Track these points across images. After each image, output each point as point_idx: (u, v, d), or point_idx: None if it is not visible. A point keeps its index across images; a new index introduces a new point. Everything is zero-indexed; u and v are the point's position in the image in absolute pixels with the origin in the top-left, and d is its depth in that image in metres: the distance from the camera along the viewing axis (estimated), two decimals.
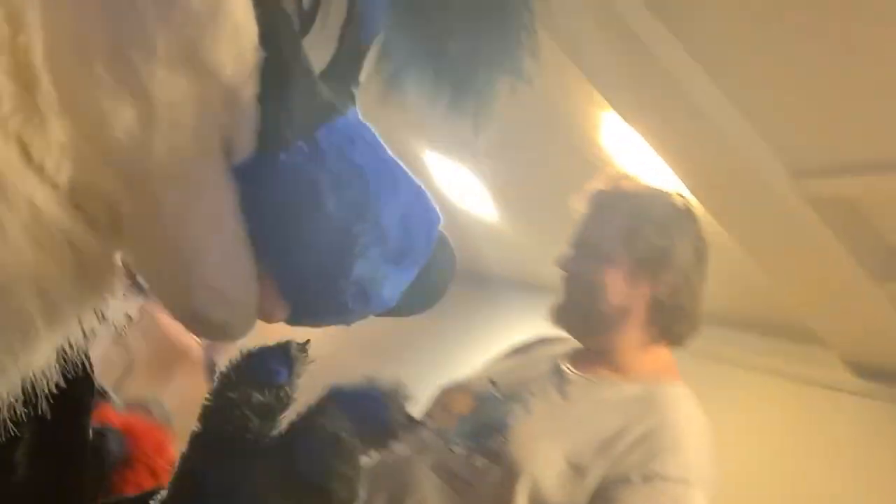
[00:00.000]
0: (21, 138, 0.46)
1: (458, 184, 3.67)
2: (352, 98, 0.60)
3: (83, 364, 0.63)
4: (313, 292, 0.56)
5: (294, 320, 0.60)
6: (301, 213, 0.53)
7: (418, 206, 0.59)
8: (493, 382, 1.37)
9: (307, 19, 0.59)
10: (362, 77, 0.63)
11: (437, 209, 0.61)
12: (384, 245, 0.55)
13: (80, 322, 0.57)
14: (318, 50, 0.58)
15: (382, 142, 0.59)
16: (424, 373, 1.73)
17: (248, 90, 0.50)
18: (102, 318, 0.60)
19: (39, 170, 0.47)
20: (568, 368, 1.36)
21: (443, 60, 0.63)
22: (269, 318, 0.58)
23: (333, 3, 0.59)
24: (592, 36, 1.80)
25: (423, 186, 0.60)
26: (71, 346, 0.58)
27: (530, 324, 1.57)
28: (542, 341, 1.52)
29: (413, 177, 0.59)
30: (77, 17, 0.46)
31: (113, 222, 0.54)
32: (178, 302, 0.56)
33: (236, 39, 0.48)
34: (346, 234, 0.53)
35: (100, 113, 0.47)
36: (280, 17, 0.52)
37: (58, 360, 0.57)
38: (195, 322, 0.57)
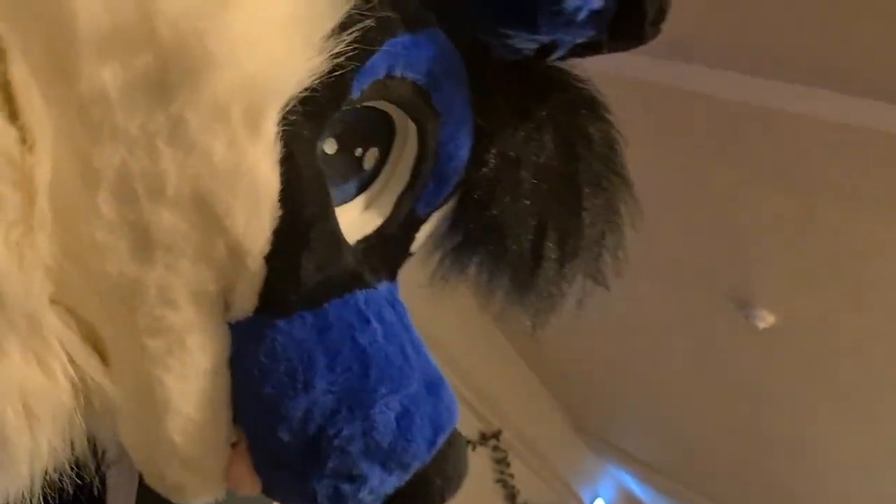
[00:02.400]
0: (21, 249, 0.43)
1: None
2: (390, 272, 0.55)
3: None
4: (284, 476, 0.49)
5: (268, 495, 0.53)
6: (287, 389, 0.47)
7: (429, 404, 0.51)
8: None
9: (367, 180, 0.54)
10: (413, 248, 0.59)
11: (455, 410, 0.53)
12: (370, 443, 0.48)
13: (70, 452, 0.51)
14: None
15: (409, 324, 0.53)
16: None
17: (258, 248, 0.45)
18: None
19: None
20: None
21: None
22: (238, 489, 0.53)
23: (400, 166, 0.55)
24: None
25: (445, 382, 0.53)
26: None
27: None
28: None
29: (435, 369, 0.53)
30: (90, 146, 0.42)
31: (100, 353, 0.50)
32: (140, 450, 0.51)
33: (254, 196, 0.44)
34: (328, 420, 0.47)
35: (93, 244, 0.44)
36: (308, 178, 0.46)
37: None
38: (151, 476, 0.52)
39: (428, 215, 0.57)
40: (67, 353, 0.47)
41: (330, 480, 0.48)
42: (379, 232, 0.55)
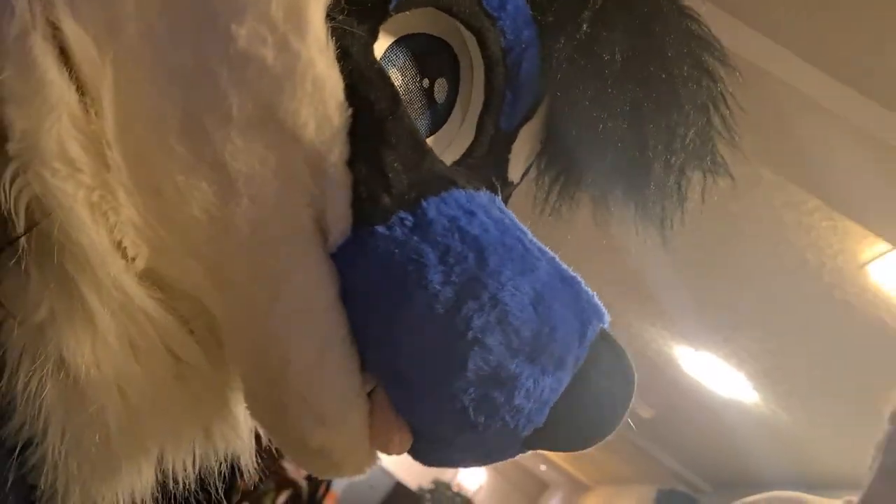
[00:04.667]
0: (107, 217, 0.42)
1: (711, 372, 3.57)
2: (492, 188, 0.51)
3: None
4: (430, 407, 0.44)
5: (421, 451, 0.48)
6: (403, 296, 0.43)
7: (566, 293, 0.45)
8: None
9: (442, 113, 0.51)
10: (513, 174, 0.55)
11: (602, 307, 0.48)
12: (509, 332, 0.43)
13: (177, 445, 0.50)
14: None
15: (525, 228, 0.49)
16: None
17: (337, 154, 0.43)
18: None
19: (123, 254, 0.43)
20: None
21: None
22: (386, 447, 0.47)
23: (473, 90, 0.52)
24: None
25: (581, 281, 0.48)
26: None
27: None
28: None
29: (563, 267, 0.48)
30: (149, 89, 0.42)
31: (211, 332, 0.48)
32: (273, 422, 0.48)
33: (317, 96, 0.42)
34: (454, 315, 0.42)
35: (175, 189, 0.42)
36: (370, 73, 0.44)
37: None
38: (292, 448, 0.48)
39: (515, 130, 0.53)
40: (163, 339, 0.45)
41: (477, 389, 0.43)
42: (468, 157, 0.52)
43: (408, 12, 0.47)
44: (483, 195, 0.48)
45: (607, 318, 0.48)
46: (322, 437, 0.45)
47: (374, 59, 0.45)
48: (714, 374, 3.61)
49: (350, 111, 0.44)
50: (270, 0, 0.41)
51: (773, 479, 3.74)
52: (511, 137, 0.53)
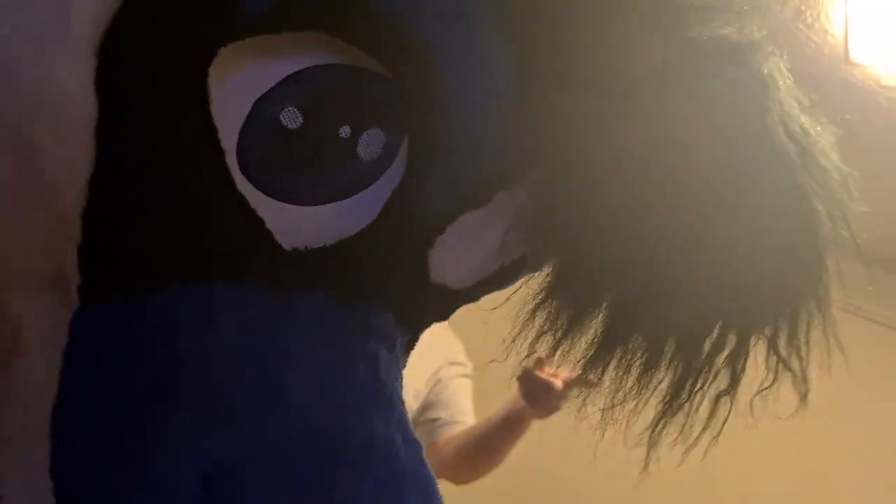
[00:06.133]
0: None
1: None
2: (381, 297, 0.38)
3: None
4: None
5: None
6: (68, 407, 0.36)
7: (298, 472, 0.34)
8: None
9: (372, 173, 0.38)
10: (441, 275, 0.40)
11: None
12: None
13: None
14: None
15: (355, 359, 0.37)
16: None
17: (70, 202, 0.35)
18: None
19: None
20: None
21: None
22: None
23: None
24: None
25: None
26: None
27: None
28: None
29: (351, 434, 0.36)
30: None
31: None
32: None
33: (62, 124, 0.35)
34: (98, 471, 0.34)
35: None
36: (141, 111, 0.35)
37: None
38: None
39: (444, 218, 0.38)
40: None
41: None
42: (362, 238, 0.37)
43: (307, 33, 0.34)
44: (273, 305, 0.35)
45: None
46: None
47: (168, 97, 0.34)
48: None
49: (95, 152, 0.34)
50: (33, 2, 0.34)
51: None
52: (434, 226, 0.38)
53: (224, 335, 0.34)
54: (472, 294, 0.43)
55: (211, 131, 0.34)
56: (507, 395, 1.37)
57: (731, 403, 0.41)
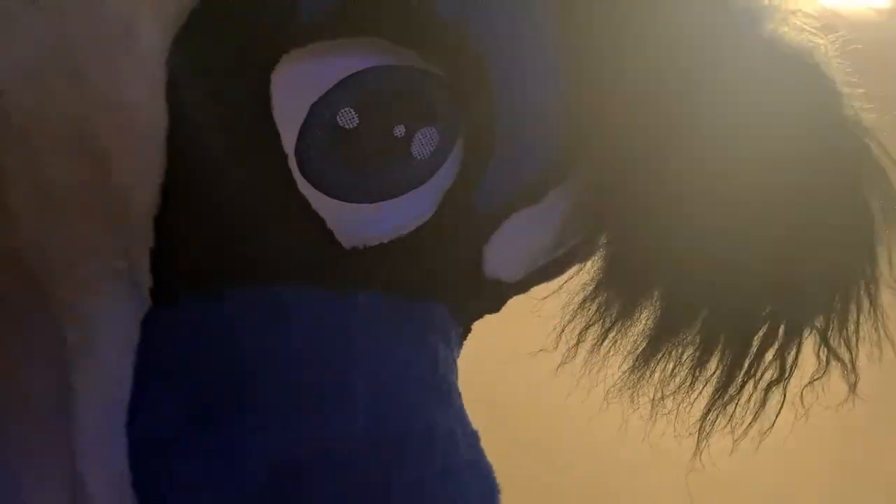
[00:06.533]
0: None
1: None
2: (435, 293, 0.39)
3: None
4: None
5: None
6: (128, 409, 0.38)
7: (364, 469, 0.36)
8: None
9: (427, 171, 0.39)
10: (495, 269, 0.41)
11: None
12: None
13: None
14: None
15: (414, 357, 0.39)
16: None
17: (144, 204, 0.36)
18: None
19: None
20: None
21: None
22: None
23: None
24: None
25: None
26: None
27: None
28: None
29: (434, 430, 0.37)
30: None
31: None
32: None
33: (131, 128, 0.36)
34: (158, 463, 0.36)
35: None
36: (209, 120, 0.36)
37: None
38: None
39: (499, 215, 0.40)
40: None
41: None
42: (419, 235, 0.39)
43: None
44: (336, 306, 0.37)
45: None
46: None
47: (229, 97, 0.36)
48: None
49: (169, 158, 0.35)
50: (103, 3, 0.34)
51: None
52: (489, 223, 0.40)
53: (291, 334, 0.36)
54: (523, 286, 0.44)
55: (274, 136, 0.36)
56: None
57: (784, 394, 0.41)
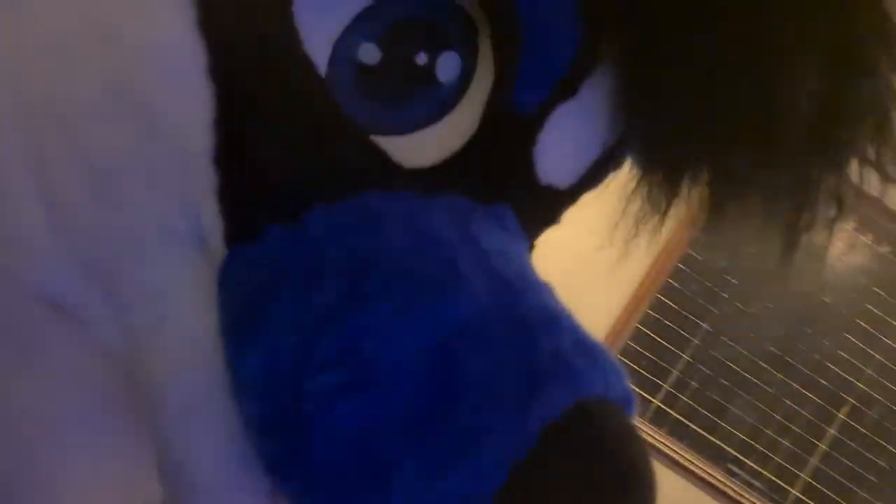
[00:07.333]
0: None
1: None
2: (493, 196, 0.39)
3: None
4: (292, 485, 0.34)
5: None
6: (245, 339, 0.34)
7: (510, 343, 0.33)
8: None
9: (452, 95, 0.38)
10: (546, 175, 0.40)
11: (606, 369, 0.34)
12: (369, 400, 0.31)
13: None
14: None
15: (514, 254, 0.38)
16: None
17: (199, 147, 0.35)
18: None
19: None
20: None
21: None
22: None
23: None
24: None
25: (566, 327, 0.35)
26: None
27: None
28: None
29: (548, 306, 0.35)
30: None
31: None
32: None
33: (173, 69, 0.35)
34: (299, 370, 0.32)
35: None
36: (248, 46, 0.35)
37: None
38: None
39: (541, 113, 0.39)
40: None
41: (327, 482, 0.31)
42: (469, 148, 0.38)
43: None
44: (420, 202, 0.37)
45: (619, 384, 0.34)
46: None
47: (269, 29, 0.35)
48: None
49: (216, 90, 0.34)
50: None
51: None
52: (533, 124, 0.39)
53: (392, 232, 0.35)
54: (574, 194, 0.44)
55: (308, 64, 0.35)
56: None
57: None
